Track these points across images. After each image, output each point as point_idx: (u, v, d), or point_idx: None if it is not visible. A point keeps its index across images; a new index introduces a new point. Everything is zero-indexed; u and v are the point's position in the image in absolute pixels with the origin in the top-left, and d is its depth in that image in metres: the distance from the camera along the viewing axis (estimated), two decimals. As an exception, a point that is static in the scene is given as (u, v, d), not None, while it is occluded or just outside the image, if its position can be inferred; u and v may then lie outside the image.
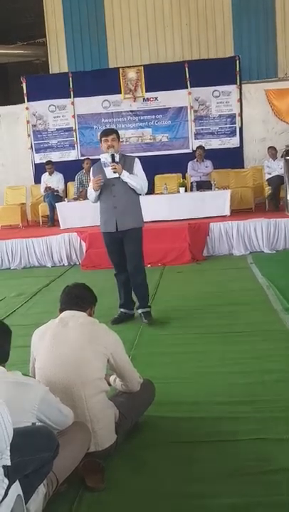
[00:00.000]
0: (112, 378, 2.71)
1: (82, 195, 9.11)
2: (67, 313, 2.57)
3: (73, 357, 2.38)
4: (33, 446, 1.93)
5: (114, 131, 4.54)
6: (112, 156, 4.34)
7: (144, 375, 2.86)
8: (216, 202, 8.42)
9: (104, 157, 4.40)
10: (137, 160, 4.55)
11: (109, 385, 2.66)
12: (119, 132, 11.36)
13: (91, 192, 4.53)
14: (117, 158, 4.36)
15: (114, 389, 2.72)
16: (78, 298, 2.62)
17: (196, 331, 4.27)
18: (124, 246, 4.54)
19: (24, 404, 2.00)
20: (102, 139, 4.45)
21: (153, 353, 3.84)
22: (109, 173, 4.37)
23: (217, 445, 2.51)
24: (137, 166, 4.51)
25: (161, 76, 10.63)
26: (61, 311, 2.62)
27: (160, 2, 11.19)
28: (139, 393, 2.66)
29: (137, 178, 4.45)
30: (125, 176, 4.39)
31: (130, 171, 4.43)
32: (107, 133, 4.48)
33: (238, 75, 10.78)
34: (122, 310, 4.70)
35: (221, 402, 2.96)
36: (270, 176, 9.43)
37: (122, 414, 2.52)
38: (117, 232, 4.47)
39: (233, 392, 3.07)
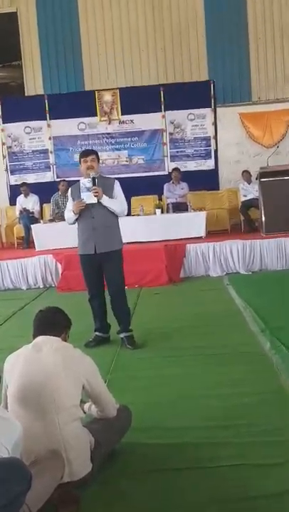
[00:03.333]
0: (86, 405, 2.63)
1: (57, 217, 9.05)
2: (40, 338, 2.49)
3: (47, 383, 2.30)
4: (5, 480, 1.84)
5: (94, 152, 4.48)
6: (94, 180, 4.28)
7: (122, 400, 2.79)
8: (193, 223, 8.45)
9: (84, 182, 4.32)
10: (116, 182, 4.50)
11: (84, 412, 2.58)
12: (96, 154, 11.37)
13: (70, 215, 4.45)
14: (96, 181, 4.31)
15: (90, 416, 2.64)
16: (52, 323, 2.55)
17: (173, 354, 4.22)
18: (103, 269, 4.46)
19: (1, 439, 1.92)
20: (82, 159, 4.39)
21: (130, 377, 3.77)
22: (88, 198, 4.30)
23: (196, 472, 2.45)
24: (117, 188, 4.46)
25: (137, 99, 10.75)
26: (34, 336, 2.54)
27: (135, 26, 11.36)
28: (115, 420, 2.59)
29: (116, 202, 4.40)
30: (105, 200, 4.33)
31: (110, 193, 4.37)
32: (86, 153, 4.43)
33: (212, 99, 10.97)
34: (97, 333, 4.61)
35: (198, 426, 2.90)
36: (246, 199, 9.54)
37: (97, 441, 2.44)
38: (95, 255, 4.39)
39: (210, 417, 3.01)
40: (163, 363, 4.01)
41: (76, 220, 4.46)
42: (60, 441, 2.27)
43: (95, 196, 4.28)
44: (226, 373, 3.68)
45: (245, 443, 2.67)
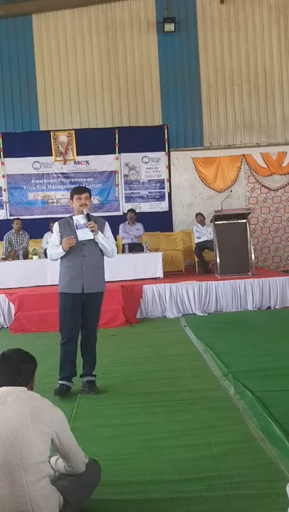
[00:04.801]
0: (53, 460, 2.45)
1: (10, 256, 8.84)
2: (5, 389, 2.29)
3: (14, 438, 2.12)
4: None
5: (87, 190, 4.42)
6: (88, 216, 4.21)
7: (86, 451, 2.62)
8: (149, 264, 8.46)
9: (77, 219, 4.23)
10: (106, 223, 4.44)
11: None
12: (51, 193, 11.39)
13: (57, 251, 4.30)
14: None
15: (56, 470, 2.47)
16: (17, 372, 2.33)
17: (136, 400, 4.08)
18: (84, 310, 4.32)
19: None
20: (75, 196, 4.30)
21: (93, 425, 3.59)
22: (84, 234, 4.20)
23: (170, 531, 2.32)
24: (108, 228, 4.41)
25: (92, 140, 10.86)
26: None
27: (91, 70, 11.57)
28: (84, 476, 2.42)
29: (108, 241, 4.34)
30: (100, 236, 4.25)
31: (101, 232, 4.30)
32: (80, 191, 4.35)
33: (166, 143, 11.22)
34: (63, 383, 4.34)
35: (170, 480, 2.77)
36: (200, 241, 9.67)
37: (66, 500, 2.26)
38: (82, 294, 4.25)
39: (181, 469, 2.88)
40: (126, 411, 3.85)
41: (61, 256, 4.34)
42: (28, 502, 2.08)
43: (92, 231, 4.18)
44: (192, 421, 3.58)
45: (218, 497, 2.55)
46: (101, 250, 4.36)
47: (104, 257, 4.46)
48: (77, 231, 4.24)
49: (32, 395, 2.33)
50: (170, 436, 3.34)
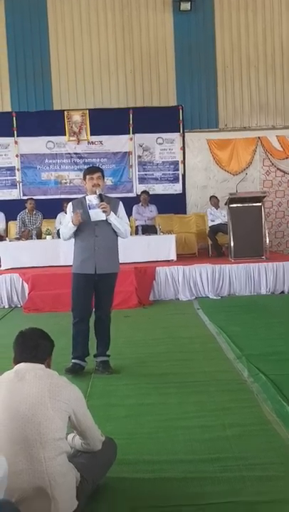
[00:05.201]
0: (70, 437, 2.48)
1: (24, 235, 8.87)
2: (23, 365, 2.31)
3: (32, 414, 2.14)
4: None
5: (100, 170, 4.38)
6: (100, 196, 4.17)
7: (101, 429, 2.64)
8: (162, 246, 8.44)
9: (90, 199, 4.20)
10: (120, 203, 4.40)
11: (68, 444, 2.43)
12: (64, 173, 11.35)
13: (69, 228, 4.28)
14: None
15: (73, 447, 2.49)
16: (35, 348, 2.35)
17: (149, 381, 4.10)
18: (96, 291, 4.32)
19: None
20: (87, 176, 4.27)
21: (107, 405, 3.62)
22: (96, 215, 4.18)
23: (184, 510, 2.32)
24: (121, 209, 4.37)
25: (106, 121, 10.76)
26: (15, 361, 2.36)
27: (106, 49, 11.42)
28: (100, 453, 2.44)
29: (121, 221, 4.30)
30: (112, 217, 4.21)
31: (114, 213, 4.26)
32: (92, 171, 4.32)
33: (181, 124, 11.09)
34: (76, 361, 4.36)
35: (184, 460, 2.78)
36: (213, 224, 9.62)
37: (83, 477, 2.28)
38: (95, 275, 4.25)
39: (195, 449, 2.90)
40: (140, 391, 3.87)
41: (72, 236, 4.33)
42: (46, 477, 2.11)
43: (104, 212, 4.15)
44: (205, 402, 3.59)
45: (233, 478, 2.57)
46: (115, 231, 4.33)
47: (119, 238, 4.43)
48: (89, 211, 4.21)
49: (50, 372, 2.35)
50: (184, 417, 3.35)
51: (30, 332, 2.44)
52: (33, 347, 2.36)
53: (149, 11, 11.39)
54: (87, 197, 4.27)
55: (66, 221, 4.42)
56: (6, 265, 8.10)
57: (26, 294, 7.42)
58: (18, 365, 2.34)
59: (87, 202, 4.23)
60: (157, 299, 7.67)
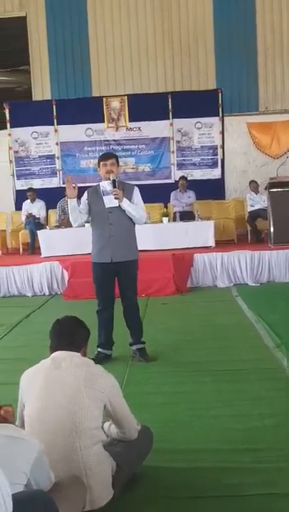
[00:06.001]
0: (106, 425, 2.50)
1: (64, 223, 8.95)
2: (59, 353, 2.34)
3: (68, 403, 2.17)
4: None
5: (114, 156, 4.36)
6: (114, 182, 4.13)
7: (137, 417, 2.66)
8: (200, 233, 8.36)
9: (104, 185, 4.21)
10: (136, 188, 4.35)
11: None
12: (102, 161, 11.26)
13: (71, 207, 4.23)
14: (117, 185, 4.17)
15: (109, 436, 2.51)
16: (71, 336, 2.38)
17: (186, 369, 4.09)
18: (117, 279, 4.32)
19: (17, 463, 1.77)
20: (101, 163, 4.26)
21: (144, 392, 3.64)
22: (109, 201, 4.17)
23: (221, 501, 2.32)
24: (137, 194, 4.31)
25: (145, 106, 10.67)
26: (51, 349, 2.39)
27: (144, 34, 11.31)
28: (136, 442, 2.45)
29: (136, 207, 4.25)
30: (125, 203, 4.17)
31: (129, 199, 4.22)
32: (106, 157, 4.31)
33: (220, 108, 10.89)
34: (100, 350, 4.37)
35: (221, 449, 2.78)
36: (253, 209, 9.46)
37: (119, 466, 2.31)
38: (111, 264, 4.23)
39: (232, 439, 2.88)
40: (176, 379, 3.88)
41: (82, 219, 4.30)
42: (81, 466, 2.14)
43: (116, 199, 4.13)
44: (242, 391, 3.56)
45: (270, 469, 2.55)
46: (130, 218, 4.27)
47: (144, 225, 4.38)
48: (103, 197, 4.20)
49: (86, 361, 2.38)
50: (220, 406, 3.34)
51: (66, 320, 2.48)
52: (69, 334, 2.39)
53: (188, -7, 11.21)
54: (100, 183, 4.27)
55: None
56: (46, 253, 8.21)
57: (66, 282, 7.52)
58: (54, 353, 2.38)
59: (101, 188, 4.22)
60: (195, 286, 7.62)
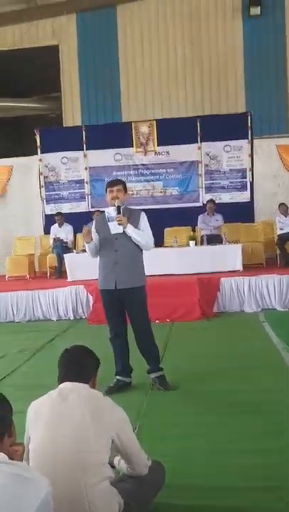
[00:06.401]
0: (116, 460, 2.41)
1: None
2: (66, 385, 2.27)
3: (73, 438, 2.08)
4: None
5: (121, 182, 4.34)
6: (118, 208, 4.10)
7: (153, 450, 2.59)
8: (227, 256, 8.25)
9: (109, 211, 4.20)
10: (143, 214, 4.29)
11: (113, 467, 2.37)
12: (131, 185, 11.39)
13: (86, 246, 4.25)
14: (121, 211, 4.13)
15: (120, 470, 2.43)
16: (80, 367, 2.31)
17: (208, 398, 3.98)
18: (125, 307, 4.24)
19: (22, 504, 1.69)
20: (108, 189, 4.24)
21: (162, 423, 3.53)
22: (114, 227, 4.14)
23: None
24: (143, 220, 4.24)
25: (173, 130, 10.70)
26: (60, 379, 2.32)
27: (173, 58, 11.46)
28: (147, 478, 2.34)
29: (142, 233, 4.18)
30: (130, 229, 4.12)
31: (136, 225, 4.17)
32: (112, 183, 4.29)
33: (249, 131, 10.84)
34: (118, 378, 4.29)
35: (239, 487, 2.64)
36: (282, 232, 9.29)
37: (127, 504, 2.21)
38: (115, 290, 4.15)
39: (253, 476, 2.74)
40: (197, 409, 3.76)
41: (97, 252, 4.26)
42: (86, 505, 2.04)
43: (119, 225, 4.09)
44: (266, 424, 3.42)
45: (289, 510, 2.41)
46: (136, 244, 4.20)
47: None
48: (108, 224, 4.17)
49: (93, 393, 2.29)
50: (240, 439, 3.21)
51: (74, 350, 2.42)
52: (77, 365, 2.32)
53: (218, 18, 11.34)
54: (106, 209, 4.26)
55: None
56: (73, 277, 8.23)
57: (91, 306, 7.50)
58: (62, 384, 2.30)
59: (106, 215, 4.20)
60: (222, 311, 7.49)
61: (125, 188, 4.29)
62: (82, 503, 2.04)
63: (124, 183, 4.34)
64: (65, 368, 2.32)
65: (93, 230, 4.27)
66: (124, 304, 4.21)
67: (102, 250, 4.24)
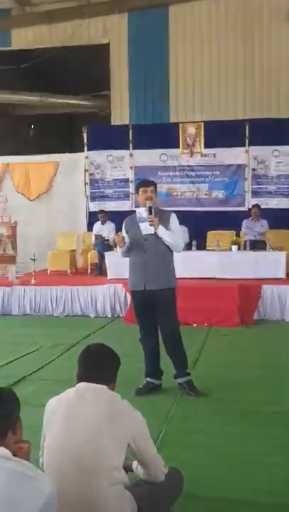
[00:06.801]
0: (135, 464, 2.32)
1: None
2: (84, 384, 2.19)
3: (87, 440, 2.01)
4: None
5: (154, 183, 4.30)
6: (150, 209, 4.05)
7: (177, 456, 2.52)
8: (270, 263, 8.03)
9: (140, 211, 4.15)
10: (173, 215, 4.23)
11: (131, 470, 2.29)
12: (175, 186, 11.29)
13: (122, 252, 4.25)
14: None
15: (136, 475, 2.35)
16: (98, 367, 2.22)
17: (238, 407, 3.85)
18: (155, 308, 4.16)
19: (24, 503, 1.64)
20: (141, 189, 4.19)
21: (188, 430, 3.43)
22: (145, 228, 4.08)
23: None
24: (174, 221, 4.19)
25: (221, 133, 10.54)
26: (78, 379, 2.24)
27: (224, 60, 11.28)
28: (163, 484, 2.24)
29: (172, 234, 4.12)
30: (161, 231, 4.06)
31: (166, 225, 4.11)
32: (147, 184, 4.24)
33: (300, 135, 10.55)
34: (148, 379, 4.23)
35: (263, 503, 2.53)
36: None
37: (141, 509, 2.13)
38: (145, 291, 4.10)
39: (279, 491, 2.62)
40: (226, 418, 3.64)
41: (128, 253, 4.24)
42: (97, 508, 1.98)
43: (151, 225, 4.04)
44: (296, 438, 3.27)
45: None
46: (166, 246, 4.13)
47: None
48: (140, 224, 4.11)
49: (111, 395, 2.20)
50: (270, 453, 3.08)
51: (95, 349, 2.32)
52: (97, 367, 2.23)
53: (272, 20, 11.08)
54: (137, 210, 4.21)
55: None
56: (112, 275, 8.21)
57: (128, 305, 7.46)
58: (79, 384, 2.22)
59: (138, 215, 4.15)
60: (262, 319, 7.28)
61: (156, 190, 4.26)
62: (93, 505, 1.98)
63: (156, 185, 4.31)
64: (84, 367, 2.24)
65: (123, 231, 4.25)
66: (154, 304, 4.15)
67: (132, 251, 4.21)
